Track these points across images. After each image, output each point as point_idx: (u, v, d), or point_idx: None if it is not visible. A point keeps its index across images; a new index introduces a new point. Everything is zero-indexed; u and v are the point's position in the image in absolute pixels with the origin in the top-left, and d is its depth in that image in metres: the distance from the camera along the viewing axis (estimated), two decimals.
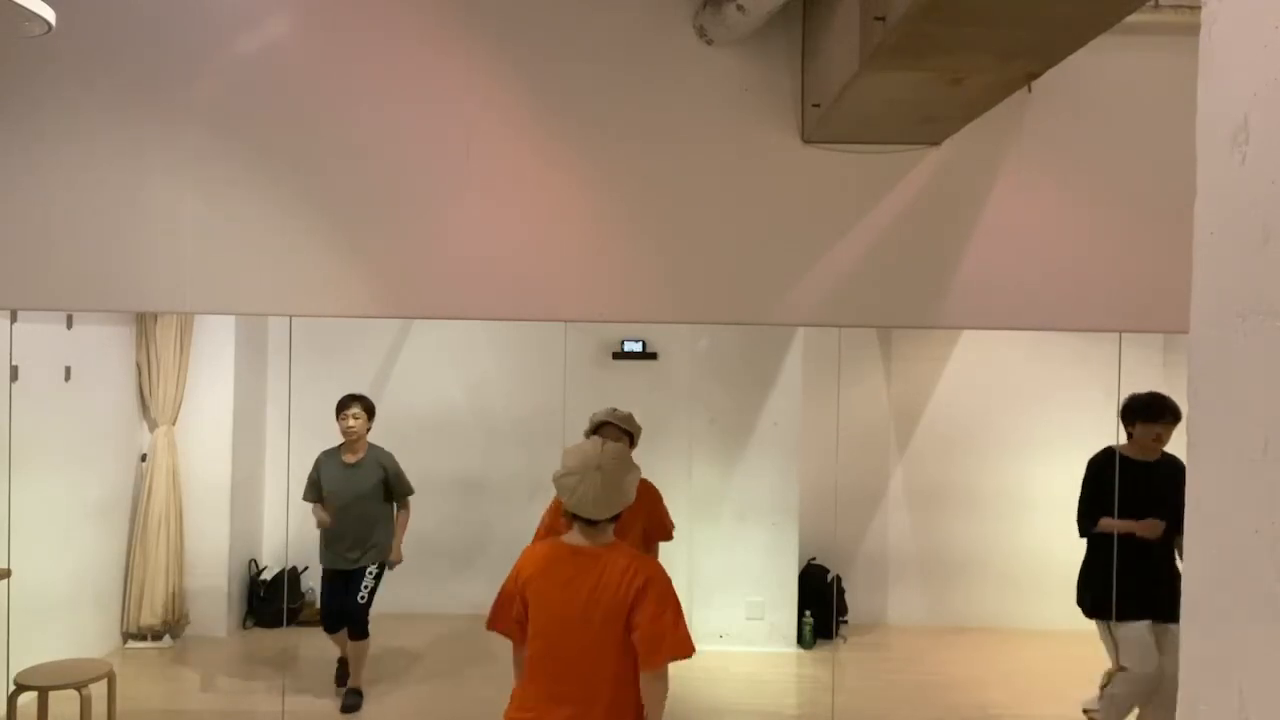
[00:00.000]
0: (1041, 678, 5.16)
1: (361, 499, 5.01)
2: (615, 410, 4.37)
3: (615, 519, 2.69)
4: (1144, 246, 3.80)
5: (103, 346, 5.53)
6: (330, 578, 5.13)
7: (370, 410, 5.10)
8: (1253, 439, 1.05)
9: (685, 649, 2.62)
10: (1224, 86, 1.12)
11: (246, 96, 3.83)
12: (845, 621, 6.19)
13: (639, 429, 4.40)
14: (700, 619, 5.97)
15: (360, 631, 5.07)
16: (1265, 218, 1.05)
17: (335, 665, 5.29)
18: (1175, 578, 3.96)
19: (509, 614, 2.73)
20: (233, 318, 5.81)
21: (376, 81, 3.83)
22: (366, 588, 5.05)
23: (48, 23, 2.47)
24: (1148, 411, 4.24)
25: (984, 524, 5.50)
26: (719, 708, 5.13)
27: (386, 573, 5.20)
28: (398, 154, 3.82)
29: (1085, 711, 4.49)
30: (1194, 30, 1.18)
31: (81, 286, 3.84)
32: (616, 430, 4.25)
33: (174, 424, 5.82)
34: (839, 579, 6.10)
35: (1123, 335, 4.55)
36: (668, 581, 2.67)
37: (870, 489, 6.33)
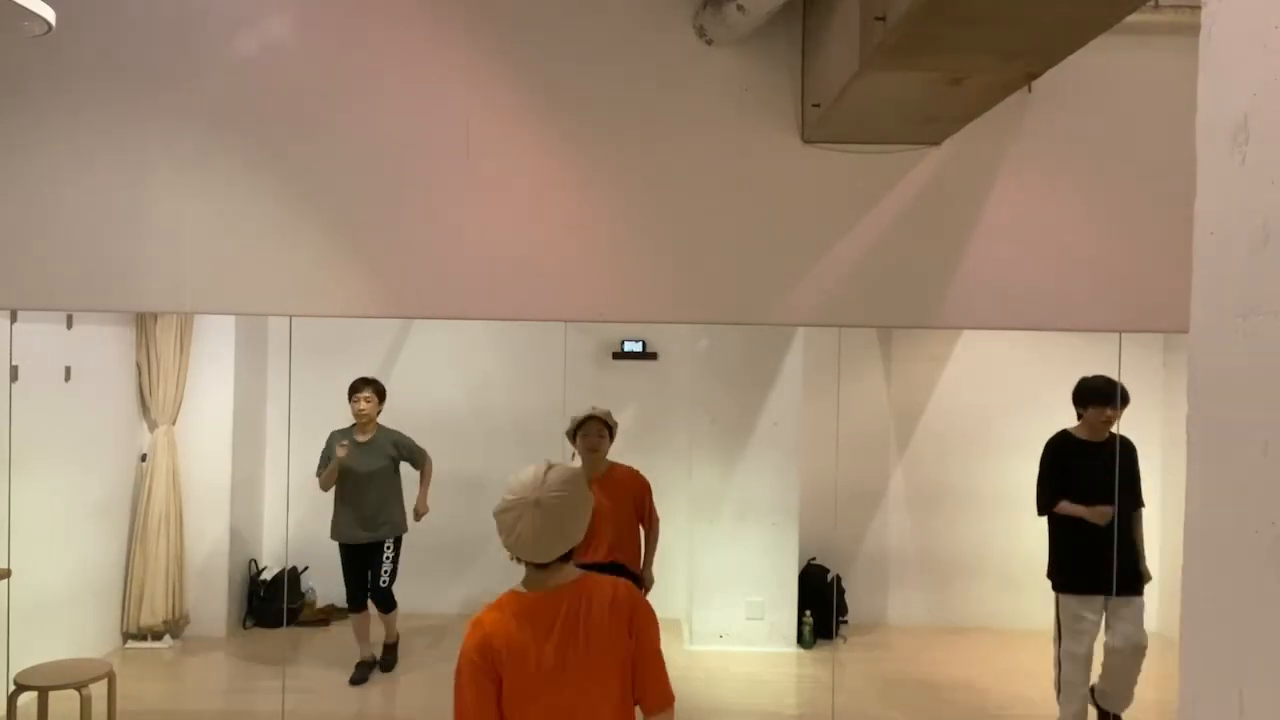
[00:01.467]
0: (1041, 678, 5.15)
1: (373, 475, 5.32)
2: (593, 406, 4.63)
3: (568, 556, 2.19)
4: (1144, 246, 3.80)
5: (103, 346, 5.53)
6: (348, 555, 5.41)
7: (381, 393, 5.41)
8: (1253, 439, 1.05)
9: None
10: (1224, 86, 1.12)
11: (246, 96, 3.83)
12: (845, 621, 6.19)
13: (615, 424, 4.65)
14: (700, 619, 5.97)
15: (387, 606, 5.46)
16: (1265, 218, 1.05)
17: (353, 669, 5.46)
18: (1134, 551, 4.39)
19: (488, 699, 2.13)
20: (233, 318, 5.81)
21: (377, 81, 3.84)
22: (386, 571, 5.41)
23: (48, 23, 2.47)
24: (1099, 395, 4.46)
25: (984, 524, 5.50)
26: (719, 708, 5.13)
27: (412, 524, 5.52)
28: (398, 154, 3.82)
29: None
30: (1194, 30, 1.18)
31: (81, 286, 3.84)
32: (600, 424, 4.57)
33: (174, 424, 5.82)
34: (839, 579, 6.10)
35: (1123, 335, 4.55)
36: (653, 613, 2.23)
37: (870, 489, 6.33)
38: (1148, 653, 4.41)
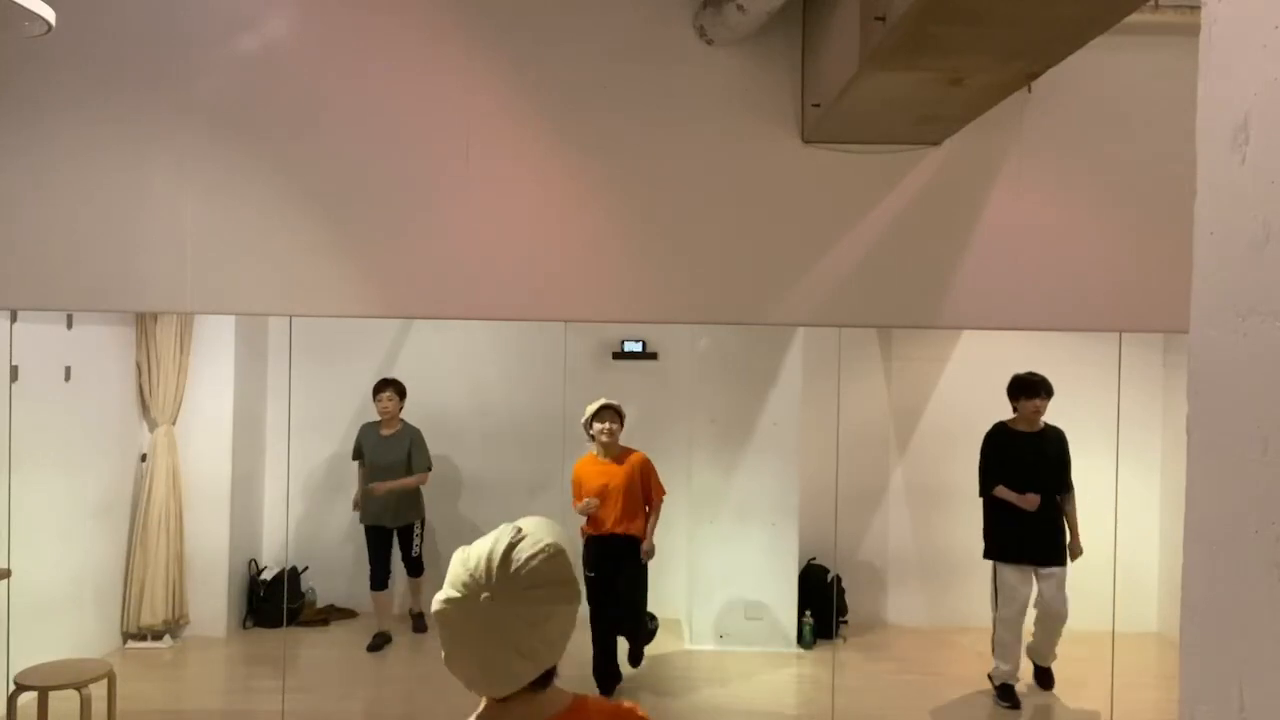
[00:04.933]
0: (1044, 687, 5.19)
1: (396, 466, 5.81)
2: (602, 398, 5.14)
3: (544, 680, 1.40)
4: (1144, 246, 3.80)
5: (103, 346, 5.53)
6: (374, 537, 5.88)
7: (402, 392, 5.88)
8: (1253, 439, 1.05)
9: None
10: (1224, 86, 1.12)
11: (247, 97, 3.83)
12: (845, 621, 6.18)
13: (624, 414, 5.22)
14: (700, 619, 5.97)
15: (417, 571, 6.01)
16: (1265, 218, 1.05)
17: (370, 638, 5.91)
18: (1058, 528, 5.08)
19: None
20: (233, 318, 5.81)
21: (377, 82, 3.84)
22: (417, 543, 5.98)
23: (48, 23, 2.47)
24: (1028, 389, 5.14)
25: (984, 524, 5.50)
26: (719, 708, 5.12)
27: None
28: (398, 154, 3.82)
29: (990, 676, 5.23)
30: (1194, 30, 1.18)
31: (81, 286, 3.84)
32: (613, 412, 5.13)
33: (174, 424, 5.82)
34: (839, 579, 6.09)
35: (1123, 335, 4.55)
36: None
37: (870, 489, 6.32)
38: (1147, 653, 4.48)
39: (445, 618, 1.34)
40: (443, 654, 1.37)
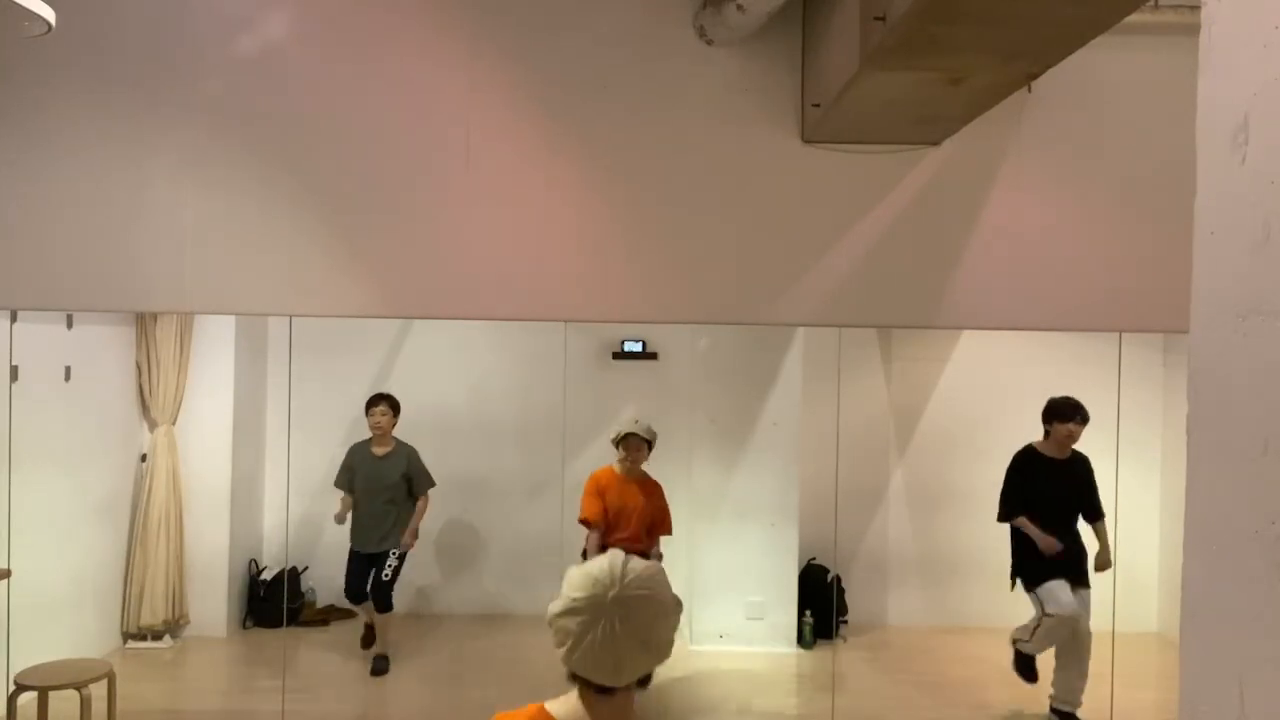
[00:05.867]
0: (1041, 677, 5.17)
1: (389, 488, 5.49)
2: (636, 421, 5.12)
3: (645, 681, 1.72)
4: (1144, 246, 3.80)
5: (103, 346, 5.53)
6: (354, 557, 5.56)
7: (396, 407, 5.57)
8: (1253, 439, 1.05)
9: None
10: (1224, 86, 1.13)
11: (247, 97, 3.83)
12: (845, 621, 6.18)
13: (655, 435, 5.13)
14: (700, 619, 5.97)
15: (385, 605, 5.53)
16: (1265, 218, 1.05)
17: (360, 634, 5.75)
18: (1083, 553, 4.87)
19: None
20: (233, 318, 5.81)
21: (377, 82, 3.84)
22: (390, 567, 5.52)
23: (48, 23, 2.47)
24: (1062, 413, 4.83)
25: (984, 524, 5.48)
26: (719, 708, 5.12)
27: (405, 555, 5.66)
28: (398, 154, 3.82)
29: (1014, 641, 5.02)
30: (1194, 30, 1.18)
31: (81, 286, 3.84)
32: (639, 440, 5.06)
33: (174, 424, 5.82)
34: (839, 579, 6.09)
35: (1123, 335, 4.55)
36: None
37: (870, 489, 6.32)
38: (1147, 653, 4.46)
39: (577, 613, 1.56)
40: (564, 651, 1.57)
